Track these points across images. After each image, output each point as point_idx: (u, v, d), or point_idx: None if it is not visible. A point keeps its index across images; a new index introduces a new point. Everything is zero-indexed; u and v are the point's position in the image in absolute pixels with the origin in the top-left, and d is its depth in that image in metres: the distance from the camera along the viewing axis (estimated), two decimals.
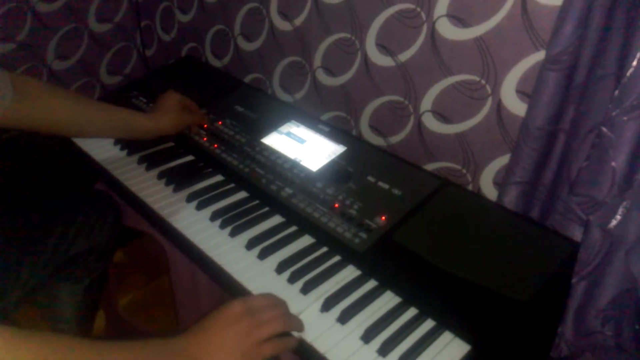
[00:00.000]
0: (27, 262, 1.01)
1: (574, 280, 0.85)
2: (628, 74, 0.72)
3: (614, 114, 0.74)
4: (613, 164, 0.76)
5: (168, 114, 1.20)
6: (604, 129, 0.76)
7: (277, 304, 0.80)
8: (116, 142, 1.29)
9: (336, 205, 1.05)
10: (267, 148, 1.22)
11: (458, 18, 1.10)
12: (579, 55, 0.88)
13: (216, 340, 0.71)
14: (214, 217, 1.04)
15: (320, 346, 0.79)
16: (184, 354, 0.68)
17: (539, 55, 1.00)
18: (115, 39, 2.02)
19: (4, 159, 1.33)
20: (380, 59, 1.29)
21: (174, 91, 1.24)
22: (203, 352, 0.69)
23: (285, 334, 0.78)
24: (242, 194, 1.13)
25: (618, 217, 0.78)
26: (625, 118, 0.73)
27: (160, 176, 1.16)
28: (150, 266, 1.53)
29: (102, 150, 1.27)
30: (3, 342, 0.53)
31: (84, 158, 1.25)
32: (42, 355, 0.55)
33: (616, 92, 0.74)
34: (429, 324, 0.84)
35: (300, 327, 0.81)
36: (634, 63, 0.71)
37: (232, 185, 1.15)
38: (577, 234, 0.96)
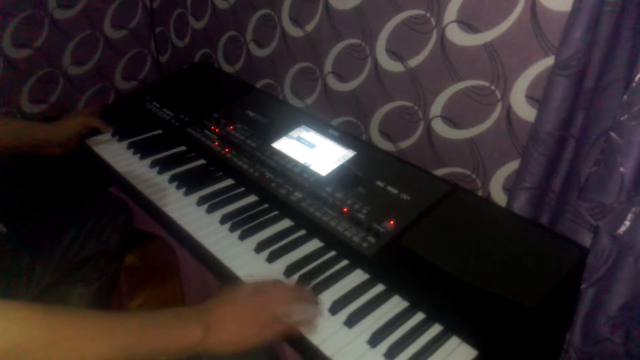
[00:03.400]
0: (40, 264, 1.03)
1: (582, 287, 0.85)
2: (637, 78, 0.72)
3: (622, 119, 0.73)
4: (622, 169, 0.75)
5: (60, 123, 1.24)
6: (613, 134, 0.75)
7: (289, 287, 0.82)
8: (129, 146, 1.31)
9: (345, 209, 1.05)
10: (277, 152, 1.23)
11: (468, 24, 1.10)
12: (588, 61, 0.87)
13: (232, 308, 0.72)
14: (223, 220, 1.05)
15: (326, 349, 0.80)
16: (197, 319, 0.69)
17: (549, 61, 1.00)
18: (130, 45, 2.05)
19: (18, 161, 1.36)
20: (390, 65, 1.30)
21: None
22: (217, 319, 0.70)
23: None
24: (252, 198, 1.14)
25: (627, 223, 0.78)
26: (634, 123, 0.72)
27: (172, 180, 1.18)
28: (161, 269, 1.54)
29: (115, 153, 1.29)
30: (17, 317, 0.55)
31: (98, 161, 1.28)
32: (56, 327, 0.57)
33: (625, 97, 0.73)
34: (436, 329, 0.84)
35: (315, 310, 0.82)
36: None
37: (242, 189, 1.16)
38: (586, 239, 0.96)
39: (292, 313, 0.78)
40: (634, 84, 0.72)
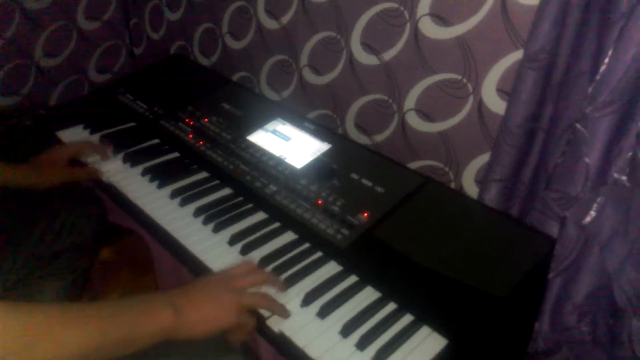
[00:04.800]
0: (9, 257, 1.01)
1: (550, 276, 0.87)
2: (601, 71, 0.74)
3: (587, 110, 0.75)
4: (587, 160, 0.77)
5: (52, 168, 1.15)
6: (578, 126, 0.77)
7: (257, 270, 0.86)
8: (102, 139, 1.29)
9: (319, 202, 1.05)
10: (252, 145, 1.23)
11: (440, 17, 1.11)
12: (556, 54, 0.89)
13: (203, 292, 0.74)
14: (197, 213, 1.05)
15: (299, 340, 0.80)
16: (168, 303, 0.70)
17: (519, 54, 1.01)
18: (104, 37, 2.02)
19: None
20: (365, 58, 1.30)
21: (63, 146, 1.22)
22: (188, 301, 0.71)
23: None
24: (226, 191, 1.13)
25: (592, 213, 0.80)
26: (598, 115, 0.74)
27: (144, 172, 1.17)
28: (136, 264, 1.53)
29: None
30: None
31: None
32: (29, 320, 0.56)
33: (590, 89, 0.75)
34: (407, 319, 0.85)
35: (277, 283, 0.85)
36: (607, 60, 0.72)
37: (217, 182, 1.15)
38: (555, 230, 0.97)
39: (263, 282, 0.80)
40: (598, 77, 0.74)
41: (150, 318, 0.67)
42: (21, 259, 1.03)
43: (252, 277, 0.81)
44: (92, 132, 1.32)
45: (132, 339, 0.65)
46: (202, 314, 0.71)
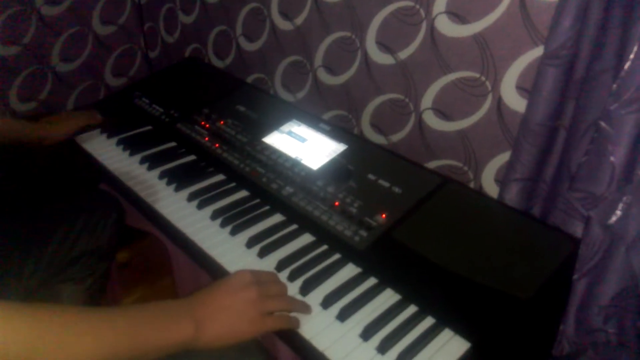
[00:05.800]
0: (30, 262, 1.01)
1: (575, 277, 0.85)
2: (626, 67, 0.72)
3: (612, 108, 0.73)
4: (612, 158, 0.75)
5: (56, 122, 1.28)
6: (603, 124, 0.75)
7: (280, 282, 0.83)
8: (119, 143, 1.30)
9: (336, 203, 1.05)
10: (268, 147, 1.22)
11: (457, 15, 1.10)
12: (578, 50, 0.87)
13: (223, 302, 0.71)
14: (214, 215, 1.05)
15: (319, 343, 0.79)
16: (188, 315, 0.68)
17: (538, 51, 0.99)
18: (119, 41, 2.03)
19: (8, 158, 1.35)
20: (380, 57, 1.29)
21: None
22: (209, 314, 0.69)
23: None
24: (243, 193, 1.13)
25: (618, 212, 0.78)
26: (623, 112, 0.72)
27: (162, 176, 1.17)
28: (154, 267, 1.53)
29: (105, 150, 1.28)
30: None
31: (88, 158, 1.27)
32: (39, 325, 0.56)
33: (614, 85, 0.73)
34: (428, 322, 0.84)
35: (305, 309, 0.82)
36: (632, 56, 0.70)
37: (233, 184, 1.15)
38: (578, 230, 0.95)
39: (284, 309, 0.78)
40: (623, 73, 0.72)
41: (169, 330, 0.65)
42: (43, 264, 1.04)
43: (282, 303, 0.78)
44: (109, 136, 1.33)
45: (149, 351, 0.63)
46: (224, 328, 0.70)
